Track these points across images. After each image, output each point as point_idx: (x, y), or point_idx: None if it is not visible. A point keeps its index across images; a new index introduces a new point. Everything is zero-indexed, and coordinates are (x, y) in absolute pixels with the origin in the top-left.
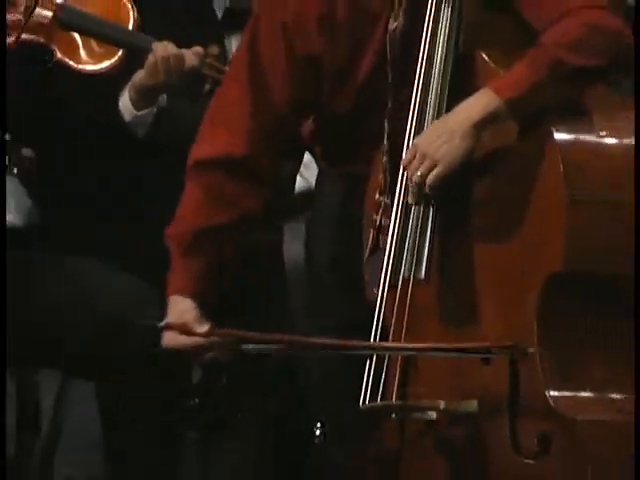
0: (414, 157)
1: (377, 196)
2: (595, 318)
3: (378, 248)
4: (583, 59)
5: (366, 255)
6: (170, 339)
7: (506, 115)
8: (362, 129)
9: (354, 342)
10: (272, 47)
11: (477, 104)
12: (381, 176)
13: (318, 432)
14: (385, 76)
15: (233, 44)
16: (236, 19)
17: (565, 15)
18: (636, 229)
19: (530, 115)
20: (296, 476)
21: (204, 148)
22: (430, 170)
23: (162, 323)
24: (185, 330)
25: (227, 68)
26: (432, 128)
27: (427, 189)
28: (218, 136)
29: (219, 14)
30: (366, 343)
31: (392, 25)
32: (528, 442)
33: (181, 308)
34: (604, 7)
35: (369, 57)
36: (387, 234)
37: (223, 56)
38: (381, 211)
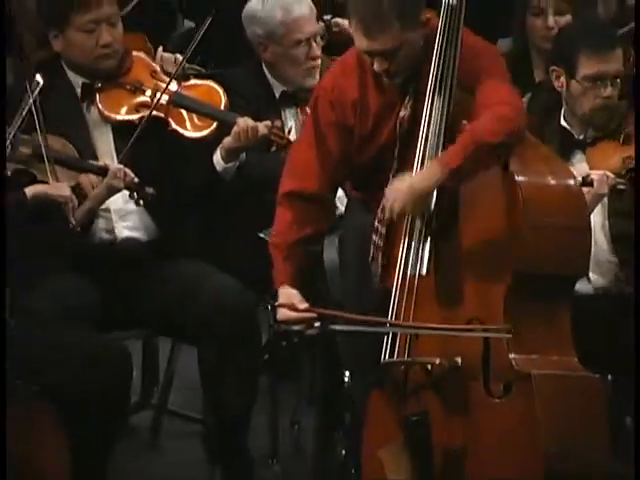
0: (384, 209)
1: (376, 223)
2: (543, 302)
3: (376, 260)
4: (494, 139)
5: (370, 260)
6: (282, 314)
7: (449, 178)
8: (378, 172)
9: (382, 319)
10: (326, 118)
11: (432, 172)
12: (383, 205)
13: (346, 378)
14: (395, 141)
15: (287, 116)
16: (289, 99)
17: (485, 107)
18: (636, 229)
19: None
20: (333, 405)
21: (288, 184)
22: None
23: (277, 303)
24: (293, 307)
25: (285, 135)
26: (398, 188)
27: (395, 217)
28: (297, 176)
29: (277, 95)
30: (395, 322)
31: (402, 113)
32: (496, 387)
33: (288, 293)
34: (510, 103)
35: (386, 131)
36: (391, 245)
37: (283, 127)
38: (379, 234)
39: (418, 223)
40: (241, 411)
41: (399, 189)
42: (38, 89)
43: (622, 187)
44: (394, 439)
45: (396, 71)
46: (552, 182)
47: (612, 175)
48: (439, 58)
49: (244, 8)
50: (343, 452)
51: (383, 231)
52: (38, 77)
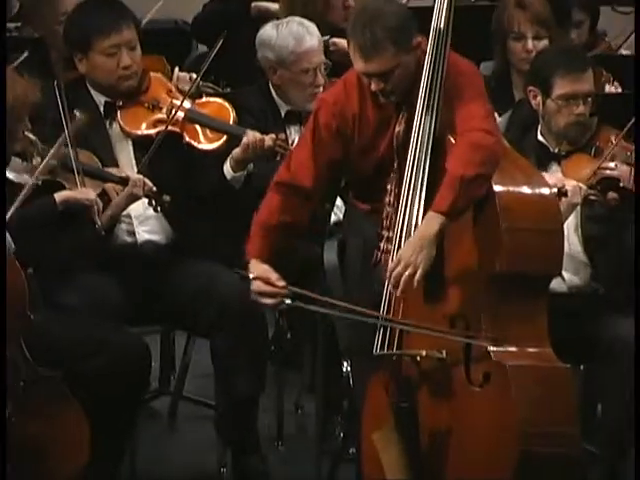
0: (398, 265)
1: (381, 230)
2: (521, 299)
3: (379, 262)
4: (472, 171)
5: (373, 263)
6: (257, 286)
7: (448, 220)
8: (378, 182)
9: (375, 312)
10: (326, 125)
11: (430, 223)
12: (386, 213)
13: (345, 366)
14: (393, 154)
15: (292, 132)
16: (293, 117)
17: (461, 135)
18: (636, 229)
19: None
20: (333, 392)
21: (282, 174)
22: (414, 273)
23: (252, 275)
24: (270, 282)
25: (289, 146)
26: (408, 244)
27: (415, 284)
28: (291, 169)
29: (282, 113)
30: (386, 316)
31: (397, 128)
32: (476, 377)
33: (263, 268)
34: (482, 128)
35: (384, 144)
36: (389, 251)
37: (286, 139)
38: (384, 240)
39: (406, 228)
40: (250, 397)
41: (409, 243)
42: (79, 121)
43: (593, 197)
44: (386, 423)
45: (391, 91)
46: (528, 190)
47: (585, 186)
48: (428, 77)
49: (259, 33)
50: (342, 434)
51: (390, 235)
52: (77, 113)
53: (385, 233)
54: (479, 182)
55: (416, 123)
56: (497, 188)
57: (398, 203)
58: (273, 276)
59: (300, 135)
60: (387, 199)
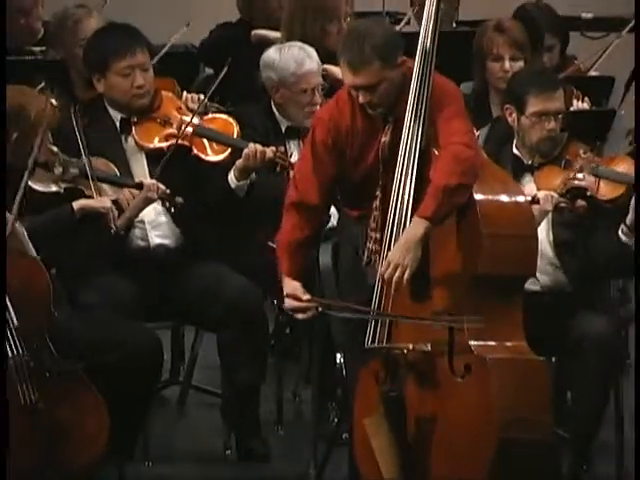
0: (389, 267)
1: (369, 232)
2: (499, 298)
3: (371, 261)
4: (454, 180)
5: (364, 264)
6: (288, 303)
7: (432, 225)
8: (366, 190)
9: (368, 309)
10: (322, 142)
11: (416, 227)
12: (374, 216)
13: (339, 358)
14: (379, 163)
15: (292, 146)
16: (293, 132)
17: (444, 148)
18: (636, 230)
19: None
20: (327, 381)
21: (293, 195)
22: (403, 273)
23: (285, 293)
24: (298, 298)
25: (287, 158)
26: (397, 247)
27: (405, 283)
28: (300, 189)
29: (283, 129)
30: (378, 311)
31: (383, 139)
32: (458, 368)
33: (293, 285)
34: (462, 142)
35: (371, 154)
36: (379, 252)
37: (286, 152)
38: (372, 241)
39: (395, 231)
40: (252, 386)
41: (397, 246)
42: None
43: (563, 205)
44: (376, 410)
45: (377, 103)
46: (506, 199)
47: (555, 195)
48: (416, 93)
49: (263, 55)
50: (336, 420)
51: (378, 236)
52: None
53: (373, 234)
54: (460, 191)
55: (404, 134)
56: (478, 197)
57: (384, 207)
58: (300, 292)
59: (300, 152)
60: (375, 204)
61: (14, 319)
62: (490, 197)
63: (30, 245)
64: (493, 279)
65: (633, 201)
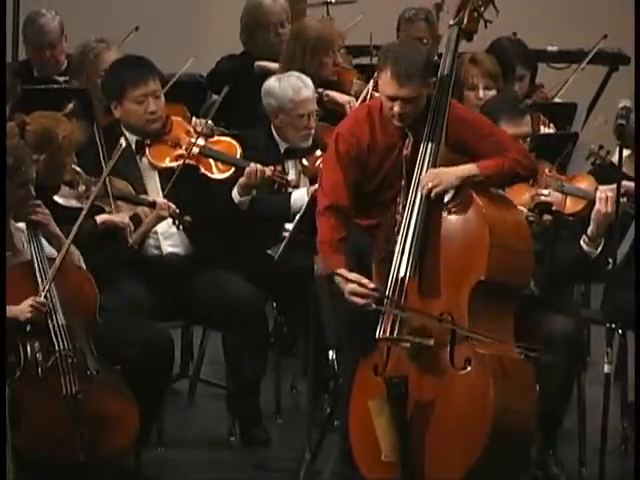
0: (427, 177)
1: (381, 242)
2: (497, 304)
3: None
4: (522, 171)
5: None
6: (352, 288)
7: (477, 180)
8: (379, 198)
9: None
10: (345, 152)
11: (466, 167)
12: (394, 221)
13: (331, 355)
14: (397, 173)
15: (289, 166)
16: (290, 153)
17: (500, 153)
18: (636, 230)
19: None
20: (321, 375)
21: (326, 200)
22: (436, 185)
23: (350, 277)
24: (363, 284)
25: (284, 176)
26: (443, 169)
27: (433, 196)
28: (331, 194)
29: (281, 150)
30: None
31: (405, 151)
32: (459, 361)
33: (355, 275)
34: (522, 148)
35: (388, 166)
36: (392, 259)
37: (284, 171)
38: (390, 242)
39: (409, 240)
40: (254, 380)
41: (443, 169)
42: (121, 149)
43: (531, 218)
44: (379, 395)
45: (407, 115)
46: (509, 216)
47: (525, 209)
48: (434, 113)
49: (264, 84)
50: (328, 410)
51: (396, 239)
52: (122, 141)
53: (391, 237)
54: (508, 177)
55: (422, 149)
56: (485, 211)
57: (404, 212)
58: (365, 280)
59: (324, 164)
60: (397, 209)
61: (62, 318)
62: (496, 213)
63: (82, 260)
64: (495, 286)
65: (593, 213)
